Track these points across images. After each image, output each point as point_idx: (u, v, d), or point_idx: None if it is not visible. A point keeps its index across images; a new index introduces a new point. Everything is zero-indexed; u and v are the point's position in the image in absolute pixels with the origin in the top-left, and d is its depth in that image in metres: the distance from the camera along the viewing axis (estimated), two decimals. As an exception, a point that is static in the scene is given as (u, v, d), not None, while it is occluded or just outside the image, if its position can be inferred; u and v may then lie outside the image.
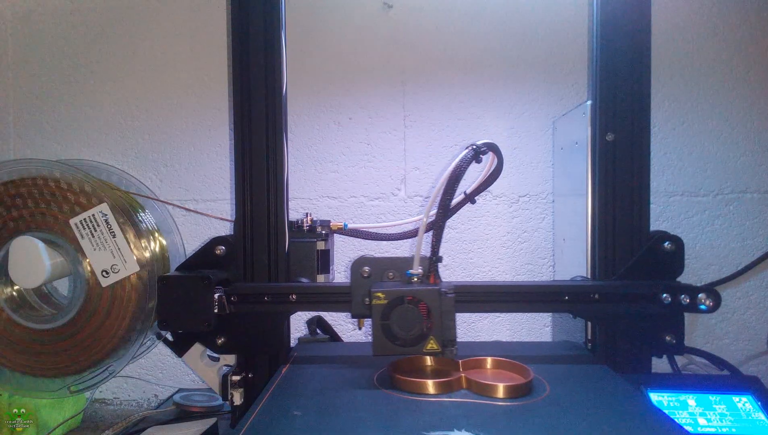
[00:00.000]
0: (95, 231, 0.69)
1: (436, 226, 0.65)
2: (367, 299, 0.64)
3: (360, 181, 0.97)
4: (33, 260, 0.68)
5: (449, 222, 0.97)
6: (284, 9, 0.72)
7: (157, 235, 0.78)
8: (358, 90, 0.97)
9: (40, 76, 1.00)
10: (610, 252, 0.71)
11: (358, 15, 0.96)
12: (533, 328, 0.97)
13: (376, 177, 0.97)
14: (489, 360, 0.65)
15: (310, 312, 0.96)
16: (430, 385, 0.57)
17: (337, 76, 0.97)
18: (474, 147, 0.65)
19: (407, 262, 0.65)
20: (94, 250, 0.69)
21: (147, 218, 0.77)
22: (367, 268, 0.66)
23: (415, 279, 0.63)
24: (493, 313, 0.97)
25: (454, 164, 0.63)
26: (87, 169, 0.75)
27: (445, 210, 0.64)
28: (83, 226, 0.69)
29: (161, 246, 0.78)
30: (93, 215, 0.69)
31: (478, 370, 0.63)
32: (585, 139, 0.74)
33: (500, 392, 0.56)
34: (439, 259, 0.64)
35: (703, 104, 0.94)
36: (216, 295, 0.65)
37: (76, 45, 0.99)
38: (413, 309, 0.60)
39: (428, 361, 0.66)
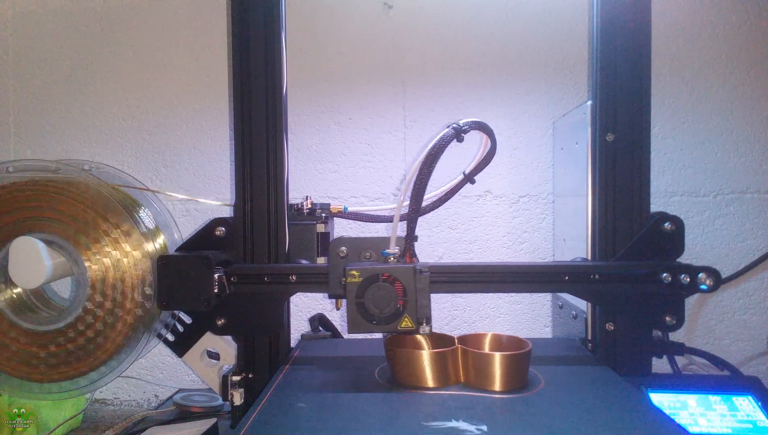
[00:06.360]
0: None
1: (412, 206, 0.65)
2: (344, 279, 0.64)
3: (360, 181, 0.97)
4: (33, 260, 0.67)
5: (449, 222, 0.97)
6: (284, 9, 0.72)
7: (156, 233, 0.78)
8: (359, 90, 0.97)
9: (40, 76, 1.00)
10: (610, 244, 0.71)
11: (358, 15, 0.96)
12: (533, 327, 0.97)
13: (377, 177, 0.97)
14: (488, 334, 0.65)
15: (310, 304, 0.97)
16: (426, 356, 0.58)
17: (338, 77, 0.97)
18: (455, 126, 0.64)
19: (384, 242, 0.65)
20: None
21: (146, 217, 0.77)
22: (344, 249, 0.66)
23: (392, 258, 0.63)
24: (492, 315, 0.97)
25: (432, 143, 0.63)
26: (87, 169, 0.75)
27: (422, 189, 0.64)
28: None
29: (161, 244, 0.78)
30: None
31: (475, 343, 0.63)
32: (585, 139, 0.74)
33: (497, 361, 0.56)
34: (415, 238, 0.65)
35: (703, 104, 0.94)
36: (216, 275, 0.66)
37: (76, 45, 0.99)
38: (387, 287, 0.60)
39: (425, 336, 0.66)
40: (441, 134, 0.63)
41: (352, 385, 0.59)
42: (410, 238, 0.64)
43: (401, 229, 0.65)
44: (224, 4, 0.97)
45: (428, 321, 0.60)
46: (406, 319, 0.60)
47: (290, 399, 0.56)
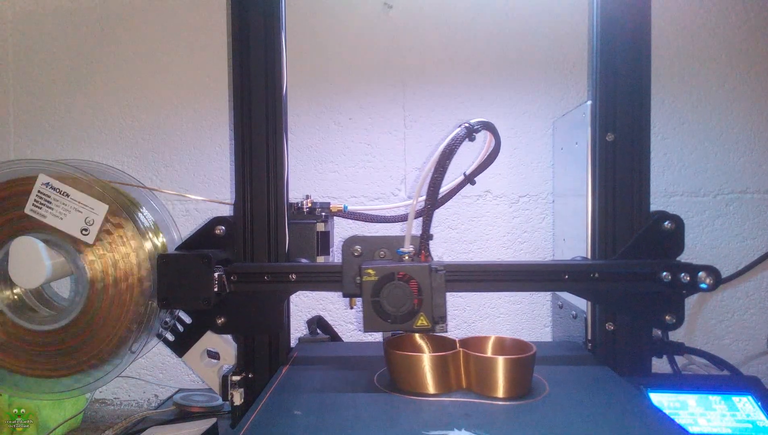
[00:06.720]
0: (50, 204, 0.69)
1: (427, 205, 0.65)
2: (358, 278, 0.64)
3: (360, 181, 0.97)
4: (33, 260, 0.68)
5: (449, 222, 0.97)
6: (284, 9, 0.72)
7: (156, 233, 0.78)
8: (359, 90, 0.97)
9: (40, 76, 1.00)
10: (610, 244, 0.71)
11: (358, 15, 0.96)
12: (533, 328, 0.97)
13: (376, 177, 0.97)
14: (491, 337, 0.64)
15: (311, 304, 0.97)
16: (426, 359, 0.57)
17: (338, 77, 0.97)
18: (467, 125, 0.64)
19: (399, 240, 0.65)
20: (62, 219, 0.69)
21: (146, 217, 0.77)
22: (358, 247, 0.66)
23: (407, 257, 0.64)
24: (492, 315, 0.97)
25: (445, 142, 0.63)
26: (87, 169, 0.75)
27: (436, 188, 0.64)
28: (38, 206, 0.69)
29: (161, 243, 0.78)
30: (38, 192, 0.69)
31: (477, 346, 0.62)
32: (585, 139, 0.74)
33: (500, 365, 0.55)
34: (430, 237, 0.65)
35: (703, 104, 0.94)
36: (216, 274, 0.66)
37: (76, 45, 0.99)
38: (404, 286, 0.61)
39: (425, 339, 0.66)
40: (453, 133, 0.64)
41: (351, 390, 0.59)
42: (425, 236, 0.64)
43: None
44: (224, 4, 0.97)
45: (443, 320, 0.60)
46: (422, 318, 0.60)
47: (289, 401, 0.56)
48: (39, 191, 0.69)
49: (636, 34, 0.70)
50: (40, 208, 0.69)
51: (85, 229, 0.69)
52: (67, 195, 0.69)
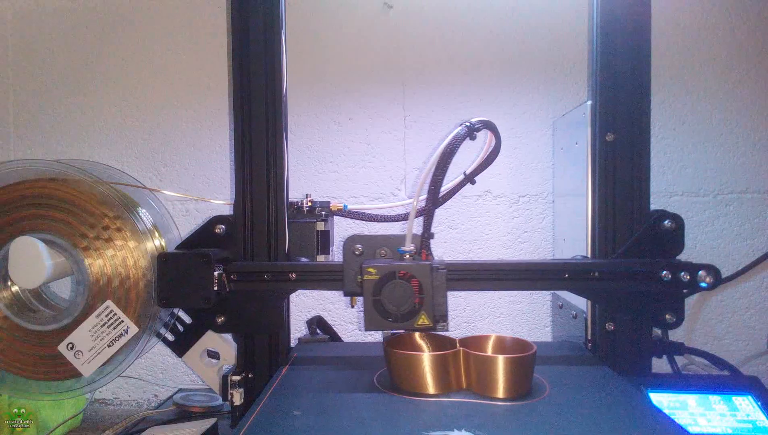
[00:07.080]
0: (106, 326, 0.69)
1: (428, 204, 0.65)
2: (359, 276, 0.64)
3: (360, 181, 0.97)
4: (33, 260, 0.67)
5: (449, 222, 0.97)
6: (284, 9, 0.72)
7: (156, 234, 0.78)
8: (358, 90, 0.97)
9: (40, 76, 1.00)
10: (610, 245, 0.71)
11: (358, 15, 0.96)
12: (533, 328, 0.97)
13: (376, 177, 0.97)
14: (491, 336, 0.64)
15: (311, 304, 0.97)
16: (426, 359, 0.57)
17: (337, 77, 0.97)
18: (468, 124, 0.65)
19: (399, 239, 0.65)
20: (88, 331, 0.69)
21: (146, 217, 0.77)
22: (359, 246, 0.66)
23: (408, 256, 0.64)
24: (492, 315, 0.97)
25: (446, 141, 0.64)
26: (87, 169, 0.74)
27: (437, 187, 0.64)
28: (104, 313, 0.69)
29: (160, 245, 0.78)
30: (121, 320, 0.69)
31: (477, 345, 0.62)
32: (585, 139, 0.74)
33: (500, 364, 0.55)
34: (431, 236, 0.65)
35: (702, 104, 0.94)
36: (216, 273, 0.66)
37: (76, 45, 0.99)
38: (405, 284, 0.61)
39: (425, 338, 0.66)
40: (454, 133, 0.64)
41: (351, 391, 0.59)
42: (426, 235, 0.65)
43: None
44: (224, 4, 0.97)
45: (444, 318, 0.60)
46: (423, 317, 0.60)
47: (288, 401, 0.56)
48: (121, 321, 0.69)
49: (636, 34, 0.70)
50: (103, 313, 0.69)
51: (71, 347, 0.69)
52: (110, 346, 0.69)
